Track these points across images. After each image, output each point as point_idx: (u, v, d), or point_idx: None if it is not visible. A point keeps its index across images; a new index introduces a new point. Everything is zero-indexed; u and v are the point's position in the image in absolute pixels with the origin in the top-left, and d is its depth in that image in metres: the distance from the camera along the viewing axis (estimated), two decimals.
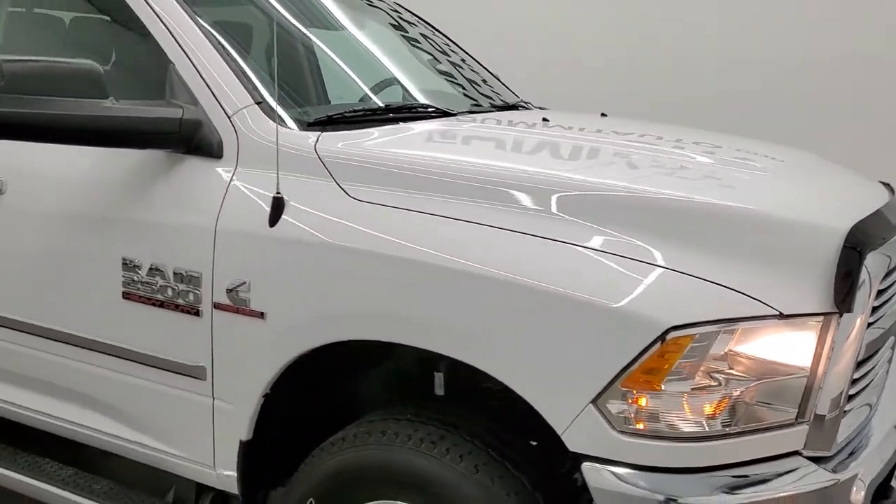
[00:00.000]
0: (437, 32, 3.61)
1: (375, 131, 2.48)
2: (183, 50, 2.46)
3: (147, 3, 2.54)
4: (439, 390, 2.42)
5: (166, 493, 2.70)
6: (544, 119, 2.79)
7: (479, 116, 2.93)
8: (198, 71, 2.42)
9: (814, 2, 5.35)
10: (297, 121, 2.41)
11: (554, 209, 2.06)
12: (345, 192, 2.21)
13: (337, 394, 2.52)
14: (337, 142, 2.34)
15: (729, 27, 5.47)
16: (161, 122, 2.34)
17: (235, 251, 2.26)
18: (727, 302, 1.88)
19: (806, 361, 1.93)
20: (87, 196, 2.54)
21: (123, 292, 2.45)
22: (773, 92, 5.27)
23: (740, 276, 1.91)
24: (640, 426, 1.89)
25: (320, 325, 2.19)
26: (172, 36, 2.48)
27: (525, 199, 2.09)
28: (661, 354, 1.84)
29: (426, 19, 3.64)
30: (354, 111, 2.59)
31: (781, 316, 1.89)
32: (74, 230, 2.55)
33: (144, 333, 2.46)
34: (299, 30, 2.96)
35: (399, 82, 3.05)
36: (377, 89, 2.97)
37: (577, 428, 1.91)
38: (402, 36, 3.37)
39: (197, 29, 2.50)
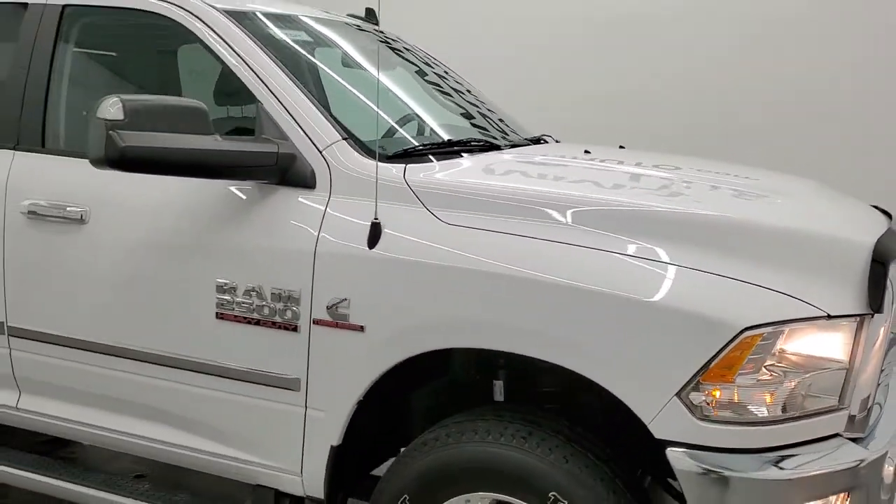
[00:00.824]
0: (451, 71, 3.91)
1: (452, 163, 2.77)
2: (271, 92, 2.70)
3: (234, 51, 2.78)
4: (499, 396, 2.70)
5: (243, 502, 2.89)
6: (586, 151, 3.12)
7: (525, 150, 3.24)
8: (287, 111, 2.67)
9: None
10: (378, 155, 2.68)
11: (628, 230, 2.38)
12: (435, 216, 2.49)
13: (395, 404, 2.78)
14: (419, 173, 2.62)
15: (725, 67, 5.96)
16: (261, 156, 2.58)
17: (335, 271, 2.51)
18: (785, 305, 2.21)
19: (845, 355, 2.29)
20: (173, 224, 2.75)
21: (217, 313, 2.66)
22: (763, 124, 5.77)
23: (791, 284, 2.26)
24: (716, 414, 2.20)
25: (419, 336, 2.44)
26: (261, 79, 2.73)
27: (601, 222, 2.40)
28: (736, 351, 2.17)
29: (438, 58, 3.94)
30: (423, 146, 2.87)
31: (829, 317, 2.24)
32: (162, 256, 2.75)
33: (238, 350, 2.67)
34: (362, 71, 3.24)
35: (442, 118, 3.34)
36: (421, 124, 3.26)
37: (663, 418, 2.21)
38: (434, 75, 3.65)
39: (282, 73, 2.76)
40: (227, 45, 2.80)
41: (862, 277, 2.33)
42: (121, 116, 2.38)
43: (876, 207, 3.04)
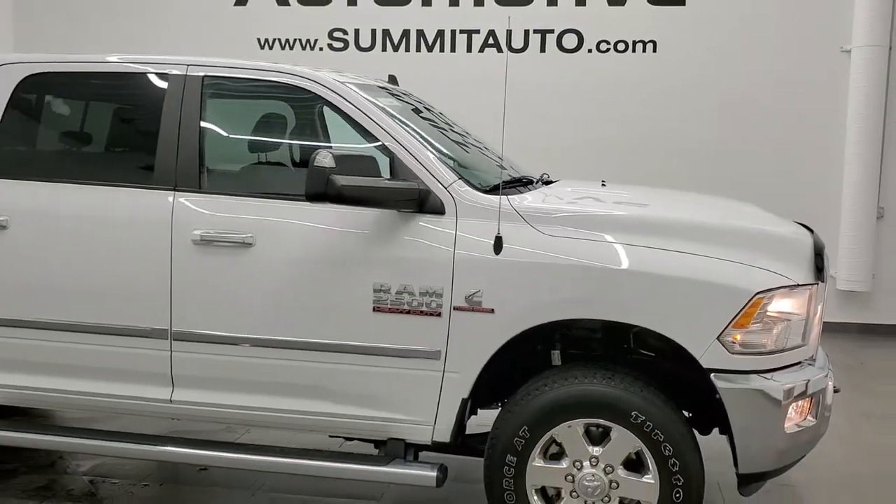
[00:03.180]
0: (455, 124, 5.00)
1: (528, 194, 3.89)
2: (403, 146, 3.71)
3: (365, 114, 3.76)
4: (557, 361, 3.82)
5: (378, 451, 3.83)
6: (602, 183, 4.34)
7: (566, 183, 4.41)
8: (417, 160, 3.68)
9: None
10: (482, 189, 3.74)
11: (664, 234, 3.58)
12: (537, 230, 3.59)
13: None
14: (518, 201, 3.71)
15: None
16: (411, 191, 3.58)
17: (470, 271, 3.55)
18: (774, 278, 3.50)
19: (805, 310, 3.60)
20: (332, 243, 3.67)
21: (374, 307, 3.61)
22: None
23: (774, 266, 3.55)
24: (738, 350, 3.45)
25: (533, 314, 3.53)
26: (392, 137, 3.73)
27: (646, 229, 3.60)
28: (751, 308, 3.42)
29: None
30: (505, 182, 3.94)
31: (797, 285, 3.55)
32: (324, 268, 3.66)
33: (390, 333, 3.62)
34: (434, 125, 4.28)
35: (484, 160, 4.42)
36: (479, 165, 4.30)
37: (708, 354, 3.43)
38: (457, 130, 4.73)
39: (405, 131, 3.77)
40: (358, 110, 3.77)
41: (810, 261, 3.67)
42: (333, 164, 3.34)
43: (799, 223, 4.42)
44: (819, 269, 3.67)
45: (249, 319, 3.75)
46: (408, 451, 3.79)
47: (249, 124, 4.30)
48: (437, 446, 3.79)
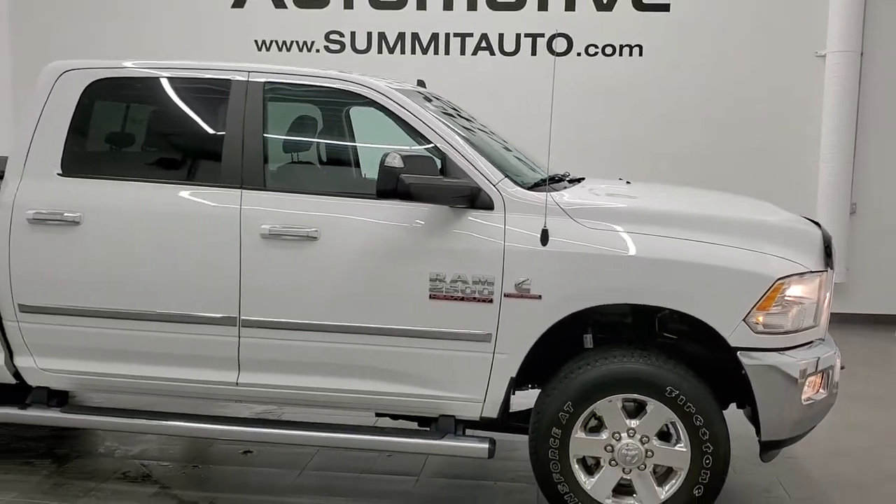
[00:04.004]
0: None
1: (566, 190, 4.25)
2: (454, 148, 4.05)
3: (426, 124, 4.10)
4: (589, 344, 4.19)
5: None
6: (627, 182, 4.72)
7: (597, 180, 4.78)
8: (468, 161, 4.03)
9: None
10: (525, 186, 4.10)
11: (694, 227, 3.97)
12: (579, 223, 3.95)
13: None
14: (559, 197, 4.07)
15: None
16: (464, 189, 3.93)
17: (519, 261, 3.90)
18: (791, 266, 3.91)
19: (816, 294, 4.02)
20: (391, 237, 4.00)
21: (430, 294, 3.95)
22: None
23: (790, 256, 3.95)
24: (764, 329, 3.85)
25: (579, 299, 3.90)
26: (444, 139, 4.07)
27: (680, 223, 3.98)
28: (772, 292, 3.83)
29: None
30: (542, 179, 4.29)
31: (810, 272, 3.96)
32: (384, 259, 3.99)
33: (445, 319, 3.96)
34: (473, 126, 4.63)
35: (514, 159, 4.77)
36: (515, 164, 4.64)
37: (735, 334, 3.82)
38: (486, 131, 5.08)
39: (456, 134, 4.12)
40: (412, 115, 4.11)
41: (820, 251, 4.09)
42: (401, 165, 3.69)
43: (807, 218, 4.83)
44: (828, 258, 4.09)
45: (313, 307, 4.06)
46: (457, 426, 4.15)
47: (307, 127, 4.61)
48: (482, 423, 4.15)
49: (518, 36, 9.49)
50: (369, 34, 9.68)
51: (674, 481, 3.94)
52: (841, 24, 8.80)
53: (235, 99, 4.21)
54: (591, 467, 4.02)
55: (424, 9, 9.58)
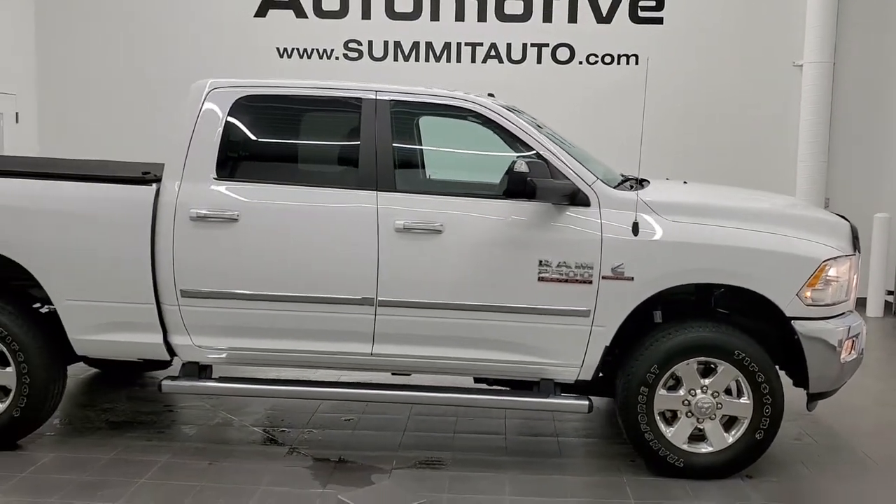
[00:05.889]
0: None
1: (647, 189, 5.09)
2: (554, 155, 4.86)
3: (529, 135, 4.90)
4: (658, 320, 5.05)
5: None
6: (685, 182, 5.60)
7: (659, 181, 5.61)
8: (566, 165, 4.84)
9: None
10: (611, 185, 4.94)
11: (756, 220, 4.85)
12: (663, 217, 4.80)
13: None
14: (644, 195, 4.91)
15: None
16: (567, 188, 4.74)
17: (615, 249, 4.73)
18: (831, 250, 4.82)
19: (847, 274, 4.94)
20: (505, 229, 4.79)
21: (539, 277, 4.76)
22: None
23: (830, 242, 4.87)
24: (811, 302, 4.76)
25: (665, 279, 4.75)
26: (545, 147, 4.88)
27: (749, 216, 4.87)
28: (819, 272, 4.74)
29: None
30: (625, 179, 5.13)
31: (845, 255, 4.88)
32: (500, 248, 4.78)
33: (552, 297, 4.77)
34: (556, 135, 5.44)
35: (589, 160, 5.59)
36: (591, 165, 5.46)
37: (790, 306, 4.73)
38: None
39: (552, 142, 4.93)
40: (517, 128, 4.91)
41: (850, 239, 5.01)
42: (527, 170, 4.49)
43: (837, 213, 5.74)
44: (856, 244, 5.02)
45: (438, 289, 4.83)
46: (555, 388, 4.97)
47: (428, 138, 5.38)
48: (577, 385, 4.98)
49: (525, 45, 10.34)
50: (386, 43, 10.42)
51: (738, 428, 4.84)
52: (816, 38, 9.86)
53: (367, 114, 4.94)
54: (668, 419, 4.88)
55: (438, 19, 10.36)
